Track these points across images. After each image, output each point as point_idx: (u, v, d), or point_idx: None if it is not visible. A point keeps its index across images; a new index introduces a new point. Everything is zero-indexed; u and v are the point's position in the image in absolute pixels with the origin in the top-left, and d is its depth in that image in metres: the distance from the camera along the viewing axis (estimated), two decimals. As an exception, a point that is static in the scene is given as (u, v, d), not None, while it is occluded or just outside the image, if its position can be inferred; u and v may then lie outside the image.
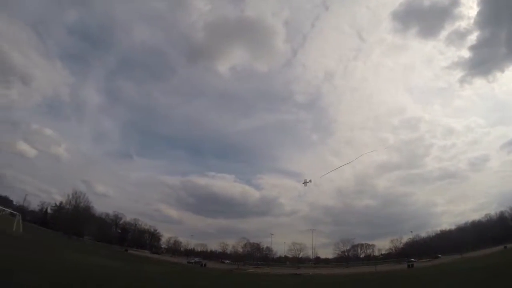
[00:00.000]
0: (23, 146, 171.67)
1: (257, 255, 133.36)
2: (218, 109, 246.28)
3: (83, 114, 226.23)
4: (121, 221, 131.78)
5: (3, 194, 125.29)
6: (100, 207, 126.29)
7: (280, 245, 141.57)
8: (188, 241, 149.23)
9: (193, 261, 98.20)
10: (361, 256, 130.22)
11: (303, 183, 51.78)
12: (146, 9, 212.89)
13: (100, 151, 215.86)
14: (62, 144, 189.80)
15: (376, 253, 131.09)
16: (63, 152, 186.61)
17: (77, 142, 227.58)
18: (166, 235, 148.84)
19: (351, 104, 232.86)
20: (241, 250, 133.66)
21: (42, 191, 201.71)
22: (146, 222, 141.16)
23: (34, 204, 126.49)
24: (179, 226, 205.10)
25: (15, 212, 62.63)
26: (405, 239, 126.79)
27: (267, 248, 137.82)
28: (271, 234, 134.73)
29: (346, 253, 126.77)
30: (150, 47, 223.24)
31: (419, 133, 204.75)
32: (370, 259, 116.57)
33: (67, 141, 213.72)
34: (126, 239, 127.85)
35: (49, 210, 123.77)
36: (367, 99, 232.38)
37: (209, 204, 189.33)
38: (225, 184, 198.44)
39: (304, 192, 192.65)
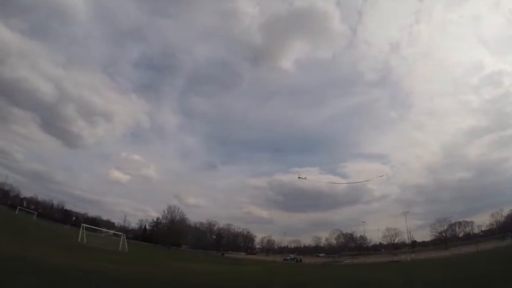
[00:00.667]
0: (116, 174, 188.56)
1: (351, 246, 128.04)
2: (290, 105, 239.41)
3: (164, 136, 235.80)
4: (215, 228, 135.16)
5: (106, 218, 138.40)
6: (194, 217, 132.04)
7: (374, 233, 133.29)
8: (281, 239, 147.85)
9: (288, 257, 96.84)
10: (460, 235, 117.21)
11: (299, 177, 47.15)
12: (199, 27, 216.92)
13: (186, 166, 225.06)
14: (150, 166, 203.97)
15: (476, 230, 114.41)
16: (153, 173, 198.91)
17: (164, 162, 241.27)
18: (259, 235, 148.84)
19: (425, 72, 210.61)
20: (334, 242, 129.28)
21: (139, 210, 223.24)
22: (238, 226, 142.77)
23: (133, 223, 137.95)
24: (271, 225, 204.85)
25: (118, 233, 66.90)
26: (506, 211, 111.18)
27: (361, 237, 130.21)
28: (363, 222, 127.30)
29: (443, 234, 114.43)
30: (214, 61, 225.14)
31: (503, 88, 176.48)
32: (470, 238, 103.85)
33: (155, 162, 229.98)
34: (221, 244, 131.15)
35: (147, 227, 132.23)
36: (440, 62, 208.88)
37: (298, 199, 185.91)
38: (310, 177, 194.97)
39: (392, 173, 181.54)
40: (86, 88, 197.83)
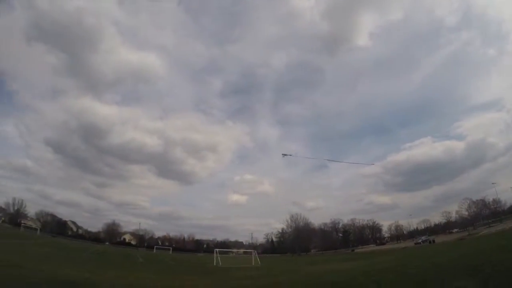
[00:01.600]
0: (235, 197, 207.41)
1: (485, 213, 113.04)
2: (381, 80, 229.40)
3: (269, 149, 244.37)
4: (340, 225, 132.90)
5: (233, 239, 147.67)
6: (317, 219, 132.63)
7: (508, 193, 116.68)
8: (409, 222, 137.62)
9: (420, 240, 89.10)
10: None
11: (283, 155, 41.35)
12: (267, 39, 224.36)
13: (297, 172, 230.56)
14: (264, 181, 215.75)
15: None
16: (267, 187, 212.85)
17: (275, 173, 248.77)
18: (386, 223, 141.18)
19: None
20: (466, 213, 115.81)
21: (263, 225, 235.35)
22: (363, 218, 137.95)
23: (260, 238, 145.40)
24: (396, 210, 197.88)
25: (248, 250, 70.95)
26: None
27: (494, 200, 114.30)
28: (493, 183, 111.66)
29: None
30: (292, 65, 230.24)
31: None
32: None
33: (267, 177, 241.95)
34: (348, 240, 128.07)
35: (274, 238, 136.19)
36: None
37: (417, 176, 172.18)
38: (424, 149, 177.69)
39: (511, 118, 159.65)
40: (186, 130, 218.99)
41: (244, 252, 75.39)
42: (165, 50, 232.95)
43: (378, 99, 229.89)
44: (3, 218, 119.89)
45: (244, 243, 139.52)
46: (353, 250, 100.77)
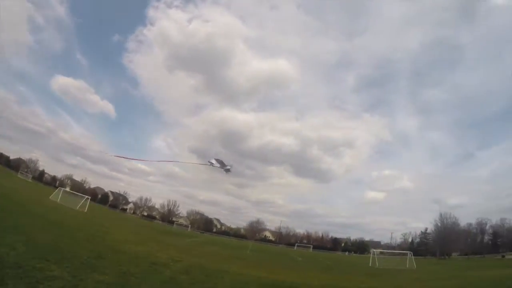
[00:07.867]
0: (371, 194, 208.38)
1: None
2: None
3: (408, 142, 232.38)
4: (487, 226, 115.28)
5: (367, 238, 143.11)
6: (460, 220, 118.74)
7: None
8: None
9: None
10: None
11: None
12: (396, 20, 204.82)
13: (439, 165, 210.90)
14: (403, 177, 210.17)
15: None
16: (407, 183, 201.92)
17: (415, 168, 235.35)
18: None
19: None
20: None
21: (399, 224, 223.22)
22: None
23: (396, 238, 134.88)
24: None
25: (384, 251, 68.35)
26: None
27: None
28: None
29: None
30: (427, 45, 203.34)
31: None
32: None
33: (406, 172, 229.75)
34: (497, 244, 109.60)
35: (415, 239, 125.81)
36: None
37: None
38: None
39: None
40: (322, 127, 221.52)
41: (381, 253, 72.16)
42: (294, 53, 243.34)
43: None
44: (157, 217, 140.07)
45: (381, 243, 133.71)
46: (503, 256, 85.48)
